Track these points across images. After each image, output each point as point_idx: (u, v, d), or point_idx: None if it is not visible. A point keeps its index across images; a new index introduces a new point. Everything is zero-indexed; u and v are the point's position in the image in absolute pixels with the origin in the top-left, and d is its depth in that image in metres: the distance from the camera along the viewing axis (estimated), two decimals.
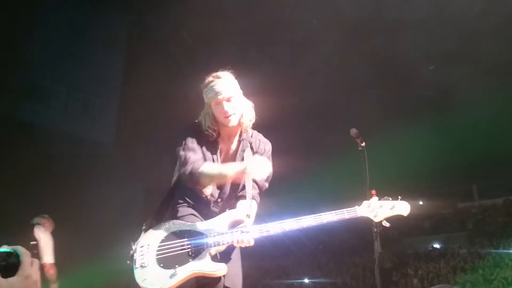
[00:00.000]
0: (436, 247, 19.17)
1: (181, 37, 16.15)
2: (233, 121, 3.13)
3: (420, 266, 16.47)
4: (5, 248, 1.27)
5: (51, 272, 5.66)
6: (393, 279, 15.78)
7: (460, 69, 16.45)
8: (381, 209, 3.10)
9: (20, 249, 1.28)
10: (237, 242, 2.85)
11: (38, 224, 6.08)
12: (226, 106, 3.08)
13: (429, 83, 17.20)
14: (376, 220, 3.08)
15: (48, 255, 5.67)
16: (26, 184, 13.21)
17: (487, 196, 22.32)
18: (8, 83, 14.73)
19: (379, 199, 3.10)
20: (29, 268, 1.24)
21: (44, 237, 5.84)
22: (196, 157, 3.10)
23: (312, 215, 2.96)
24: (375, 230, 3.23)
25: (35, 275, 1.25)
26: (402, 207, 3.10)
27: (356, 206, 3.11)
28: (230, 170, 2.91)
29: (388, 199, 3.09)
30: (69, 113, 16.50)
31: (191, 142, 3.19)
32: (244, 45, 16.22)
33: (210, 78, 3.18)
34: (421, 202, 24.00)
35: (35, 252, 5.59)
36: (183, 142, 3.21)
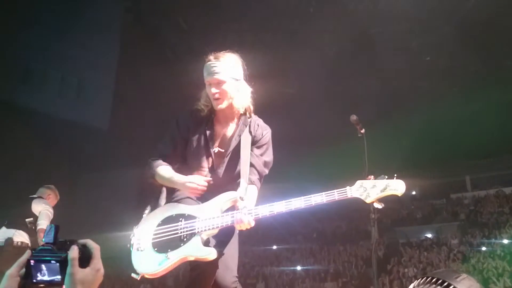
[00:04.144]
0: (428, 237, 19.31)
1: (177, 23, 16.03)
2: (220, 105, 3.11)
3: (412, 255, 16.61)
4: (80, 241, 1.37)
5: (42, 237, 5.55)
6: (385, 267, 15.91)
7: (455, 60, 16.46)
8: (373, 189, 2.83)
9: (91, 244, 1.36)
10: (237, 223, 2.84)
11: (40, 197, 5.99)
12: (214, 89, 3.07)
13: (424, 73, 17.19)
14: (368, 201, 2.81)
15: (43, 222, 5.60)
16: (19, 168, 13.15)
17: (480, 187, 22.51)
18: (2, 67, 14.60)
19: (375, 178, 2.88)
20: (99, 261, 1.34)
21: (44, 207, 5.77)
22: (163, 151, 3.16)
23: (302, 197, 2.85)
24: (373, 217, 3.13)
25: (102, 268, 1.35)
26: (396, 186, 2.81)
27: (347, 187, 2.87)
28: (177, 180, 2.99)
29: (384, 178, 2.87)
30: (63, 97, 16.40)
31: (172, 134, 3.23)
32: (240, 32, 16.11)
33: (210, 57, 3.13)
34: (414, 192, 24.17)
35: (33, 228, 5.55)
36: (166, 133, 3.25)
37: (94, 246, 1.35)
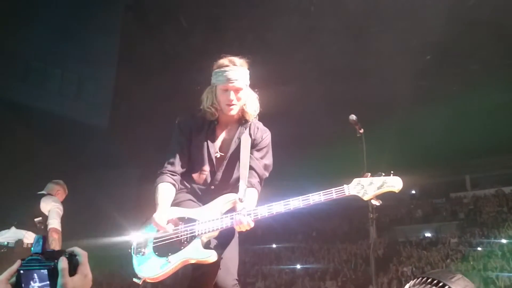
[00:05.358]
0: (427, 236, 19.35)
1: (178, 20, 16.02)
2: (233, 111, 3.14)
3: (411, 254, 16.64)
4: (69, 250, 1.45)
5: (54, 236, 5.52)
6: (384, 266, 15.94)
7: (455, 60, 16.45)
8: (370, 186, 2.85)
9: (78, 250, 1.43)
10: (236, 224, 2.85)
11: (50, 194, 5.94)
12: (232, 95, 3.08)
13: (424, 73, 17.17)
14: (365, 198, 2.84)
15: (53, 222, 5.57)
16: (18, 167, 13.16)
17: (479, 187, 22.54)
18: (2, 65, 14.61)
19: (372, 176, 2.90)
20: (86, 267, 1.41)
21: (53, 206, 5.73)
22: (171, 159, 3.17)
23: (299, 197, 2.87)
24: (371, 216, 3.15)
25: (90, 273, 1.42)
26: (393, 183, 2.83)
27: (345, 185, 2.88)
28: (159, 205, 2.97)
29: (381, 175, 2.84)
30: (63, 95, 16.41)
31: (176, 138, 3.25)
32: (240, 30, 16.11)
33: (225, 61, 3.15)
34: (413, 191, 24.20)
35: (42, 228, 5.52)
36: (172, 141, 3.27)
37: (81, 253, 1.42)
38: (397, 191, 2.84)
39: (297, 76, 17.11)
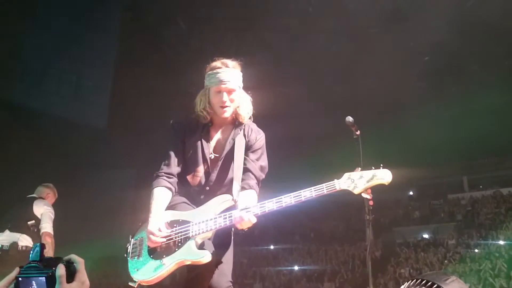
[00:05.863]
0: (425, 237, 19.36)
1: (175, 22, 16.02)
2: (227, 113, 3.12)
3: (409, 256, 16.64)
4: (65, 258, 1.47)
5: (48, 240, 5.51)
6: (382, 267, 15.94)
7: (455, 60, 16.47)
8: (360, 180, 2.87)
9: (76, 258, 1.46)
10: (237, 223, 2.81)
11: (41, 198, 5.92)
12: (225, 97, 3.07)
13: (423, 73, 17.20)
14: (356, 192, 2.84)
15: (46, 226, 5.55)
16: (16, 168, 13.14)
17: (477, 188, 22.56)
18: (0, 65, 14.58)
19: (361, 170, 2.87)
20: (83, 275, 1.44)
21: (45, 210, 5.72)
22: (167, 161, 3.16)
23: (291, 193, 2.85)
24: (367, 218, 3.14)
25: (87, 280, 1.45)
26: (382, 175, 2.84)
27: (335, 180, 2.88)
28: (152, 212, 2.95)
29: (371, 169, 2.86)
30: (61, 96, 16.37)
31: (172, 140, 3.25)
32: (238, 31, 16.12)
33: (218, 63, 3.15)
34: (411, 192, 24.23)
35: (35, 231, 5.52)
36: (167, 142, 3.26)
37: (78, 260, 1.44)
38: (386, 184, 2.85)
39: (294, 77, 17.12)
